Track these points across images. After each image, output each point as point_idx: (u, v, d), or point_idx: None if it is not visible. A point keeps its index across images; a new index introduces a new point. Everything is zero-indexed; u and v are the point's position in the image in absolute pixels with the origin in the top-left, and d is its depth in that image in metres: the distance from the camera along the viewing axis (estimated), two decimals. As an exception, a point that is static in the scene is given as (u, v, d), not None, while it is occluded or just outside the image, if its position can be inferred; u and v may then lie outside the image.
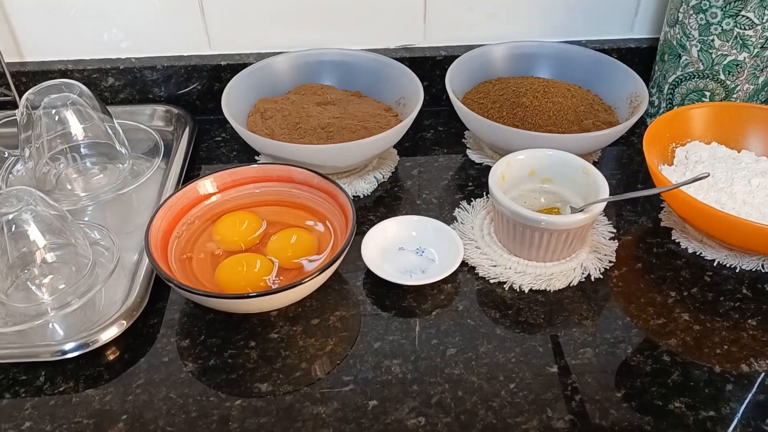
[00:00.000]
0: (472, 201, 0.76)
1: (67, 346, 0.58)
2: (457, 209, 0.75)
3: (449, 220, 0.74)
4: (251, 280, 0.62)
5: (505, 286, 0.66)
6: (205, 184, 0.69)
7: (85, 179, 0.80)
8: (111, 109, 0.84)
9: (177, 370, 0.59)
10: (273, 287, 0.62)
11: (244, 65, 0.87)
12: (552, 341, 0.61)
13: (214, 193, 0.70)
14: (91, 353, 0.59)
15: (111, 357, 0.60)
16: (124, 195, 0.77)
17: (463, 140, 0.87)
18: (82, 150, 0.80)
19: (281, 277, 0.63)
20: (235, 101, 0.80)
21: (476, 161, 0.83)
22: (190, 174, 0.82)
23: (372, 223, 0.73)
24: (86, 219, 0.75)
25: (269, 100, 0.84)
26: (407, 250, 0.69)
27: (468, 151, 0.84)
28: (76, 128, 0.79)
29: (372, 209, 0.76)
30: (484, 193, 0.77)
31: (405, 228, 0.70)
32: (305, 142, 0.76)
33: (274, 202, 0.71)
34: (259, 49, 0.90)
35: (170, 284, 0.58)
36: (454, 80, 0.82)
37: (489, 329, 0.62)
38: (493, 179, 0.67)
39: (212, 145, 0.87)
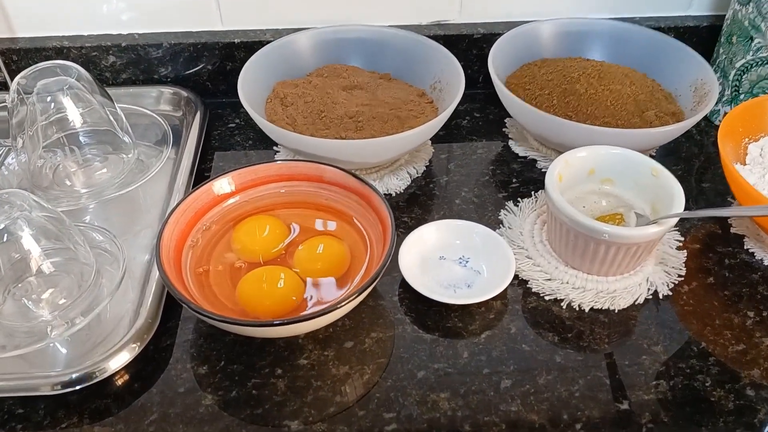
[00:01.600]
0: (519, 202, 0.68)
1: (71, 378, 0.51)
2: (502, 211, 0.67)
3: (493, 223, 0.66)
4: (277, 298, 0.54)
5: (562, 303, 0.59)
6: (222, 184, 0.61)
7: (86, 173, 0.72)
8: (112, 91, 0.75)
9: (195, 403, 0.51)
10: (303, 312, 0.54)
11: (260, 43, 0.78)
12: (620, 371, 0.54)
13: (232, 194, 0.62)
14: (97, 383, 0.52)
15: (120, 387, 0.53)
16: (129, 192, 0.69)
17: (504, 129, 0.78)
18: (81, 139, 0.72)
19: (310, 295, 0.56)
20: (251, 85, 0.71)
21: (520, 154, 0.74)
22: (202, 166, 0.74)
23: (407, 227, 0.65)
24: (87, 219, 0.67)
25: (289, 83, 0.75)
26: (449, 259, 0.61)
27: (510, 142, 0.76)
28: (74, 114, 0.70)
29: (406, 210, 0.68)
30: (532, 192, 0.69)
31: (446, 234, 0.62)
32: (332, 135, 0.68)
33: (299, 204, 0.63)
34: (276, 25, 0.81)
35: (187, 307, 0.50)
36: (497, 61, 0.73)
37: (547, 356, 0.55)
38: (551, 181, 0.59)
39: (225, 133, 0.79)
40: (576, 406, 0.51)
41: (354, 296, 0.50)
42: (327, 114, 0.70)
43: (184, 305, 0.50)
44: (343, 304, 0.49)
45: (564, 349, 0.55)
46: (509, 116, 0.79)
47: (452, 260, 0.61)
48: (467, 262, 0.61)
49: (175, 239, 0.56)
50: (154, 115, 0.77)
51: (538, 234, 0.64)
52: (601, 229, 0.55)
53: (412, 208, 0.68)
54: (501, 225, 0.66)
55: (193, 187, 0.64)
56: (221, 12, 0.79)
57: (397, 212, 0.68)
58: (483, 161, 0.74)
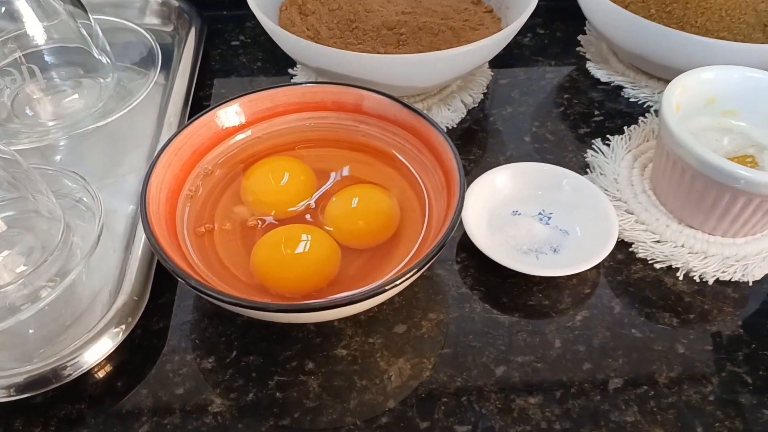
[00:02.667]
0: (608, 139, 0.53)
1: (29, 378, 0.37)
2: (589, 152, 0.52)
3: (576, 167, 0.52)
4: (306, 269, 0.40)
5: (677, 273, 0.45)
6: (229, 114, 0.46)
7: (53, 101, 0.56)
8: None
9: (199, 409, 0.38)
10: (340, 288, 0.40)
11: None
12: (764, 366, 0.40)
13: (241, 127, 0.47)
14: (67, 383, 0.38)
15: (97, 387, 0.39)
16: (108, 125, 0.54)
17: (578, 48, 0.63)
18: (46, 59, 0.56)
19: (348, 265, 0.41)
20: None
21: (601, 79, 0.59)
22: (199, 93, 0.58)
23: (466, 172, 0.50)
24: (56, 160, 0.53)
25: (308, -13, 0.59)
26: (526, 215, 0.47)
27: (588, 65, 0.60)
28: (35, 27, 0.55)
29: (462, 150, 0.53)
30: (624, 128, 0.54)
31: (522, 182, 0.48)
32: (367, 49, 0.53)
33: (329, 142, 0.48)
34: None
35: (186, 284, 0.36)
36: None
37: (666, 344, 0.41)
38: (669, 111, 0.44)
39: (227, 53, 0.63)
40: (712, 415, 0.38)
41: (412, 271, 0.36)
42: (359, 24, 0.54)
43: (180, 280, 0.36)
44: (396, 282, 0.35)
45: (686, 334, 0.42)
46: (582, 32, 0.64)
47: (530, 216, 0.47)
48: (549, 218, 0.47)
49: (167, 188, 0.42)
50: (140, 29, 0.61)
51: (638, 181, 0.49)
52: (738, 173, 0.41)
53: (470, 147, 0.54)
54: (589, 169, 0.51)
55: (189, 120, 0.49)
56: None
57: (451, 153, 0.53)
58: (554, 88, 0.59)
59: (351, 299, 0.35)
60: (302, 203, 0.44)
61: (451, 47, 0.53)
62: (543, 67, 0.61)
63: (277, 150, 0.47)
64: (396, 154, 0.46)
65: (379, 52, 0.52)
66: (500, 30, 0.56)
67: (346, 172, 0.47)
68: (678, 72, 0.53)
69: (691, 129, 0.48)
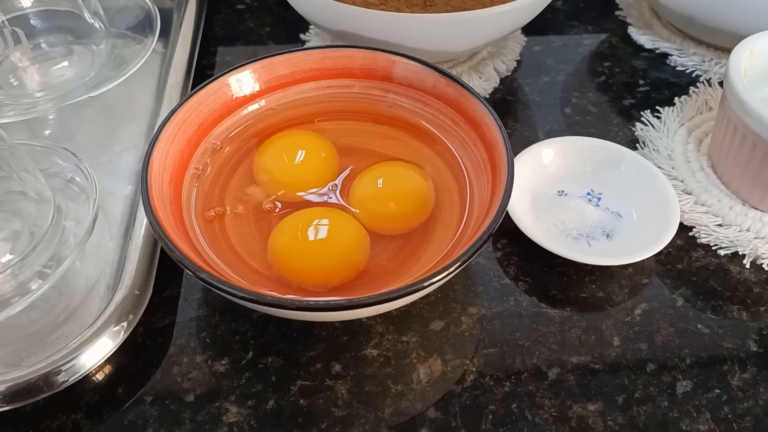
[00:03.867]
0: (657, 111, 0.48)
1: (17, 385, 0.33)
2: (638, 125, 0.47)
3: (623, 142, 0.47)
4: (330, 259, 0.35)
5: (744, 261, 0.40)
6: (240, 82, 0.40)
7: (41, 69, 0.51)
8: (74, -43, 0.53)
9: (212, 421, 0.33)
10: (370, 282, 0.35)
11: None
12: None
13: (253, 97, 0.41)
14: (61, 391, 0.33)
15: (96, 394, 0.35)
16: (103, 97, 0.48)
17: (618, 12, 0.57)
18: (32, 22, 0.51)
19: (378, 253, 0.36)
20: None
21: (645, 45, 0.54)
22: (203, 61, 0.53)
23: (503, 148, 0.45)
24: (46, 134, 0.48)
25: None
26: (573, 195, 0.42)
27: (630, 30, 0.55)
28: (20, -13, 0.49)
29: (496, 123, 0.48)
30: (675, 99, 0.49)
31: (569, 158, 0.43)
32: (392, 11, 0.47)
33: (353, 114, 0.43)
34: None
35: (195, 276, 0.31)
36: None
37: (737, 342, 0.36)
38: (736, 78, 0.39)
39: (232, 17, 0.57)
40: (797, 424, 0.33)
41: (454, 266, 0.31)
42: (381, -15, 0.49)
43: (188, 272, 0.31)
44: (435, 279, 0.30)
45: (758, 329, 0.37)
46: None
47: (578, 197, 0.42)
48: (599, 199, 0.42)
49: (172, 166, 0.37)
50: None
51: (695, 158, 0.44)
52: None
53: (505, 120, 0.48)
54: (639, 145, 0.46)
55: (194, 88, 0.44)
56: None
57: (483, 126, 0.48)
58: (594, 56, 0.54)
59: (384, 297, 0.30)
60: (324, 184, 0.39)
61: (484, 7, 0.47)
62: (579, 33, 0.56)
63: (294, 123, 0.42)
64: (429, 127, 0.41)
65: (406, 12, 0.47)
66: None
67: (373, 148, 0.41)
68: (733, 37, 0.48)
69: (759, 99, 0.43)
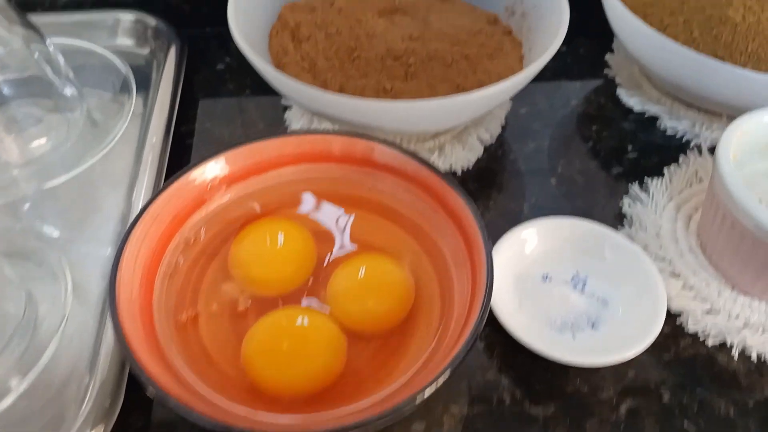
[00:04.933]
0: (646, 182, 0.47)
1: None
2: (626, 199, 0.46)
3: (611, 216, 0.46)
4: (304, 369, 0.34)
5: (732, 351, 0.39)
6: (216, 170, 0.39)
7: (16, 143, 0.49)
8: (49, 19, 0.53)
9: None
10: (348, 394, 0.34)
11: (258, -55, 0.54)
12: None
13: (231, 184, 0.40)
14: None
15: None
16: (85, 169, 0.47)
17: (607, 70, 0.56)
18: (2, 92, 0.49)
19: (356, 355, 0.35)
20: (248, 9, 0.48)
21: (634, 108, 0.53)
22: (181, 128, 0.52)
23: (487, 223, 0.44)
24: (17, 211, 0.46)
25: (302, 5, 0.52)
26: (558, 280, 0.41)
27: (619, 91, 0.54)
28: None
29: (481, 195, 0.47)
30: (663, 168, 0.48)
31: (553, 240, 0.42)
32: (372, 86, 0.46)
33: (331, 197, 0.41)
34: None
35: (164, 405, 0.30)
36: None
37: (727, 445, 0.36)
38: (725, 162, 0.38)
39: (212, 78, 0.56)
40: None
41: (433, 383, 0.30)
42: (361, 53, 0.47)
43: (161, 402, 0.30)
44: (414, 398, 0.29)
45: (746, 427, 0.36)
46: (609, 50, 0.57)
47: (562, 281, 0.41)
48: (584, 284, 0.41)
49: (143, 266, 0.35)
50: (110, 54, 0.53)
51: (684, 236, 0.43)
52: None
53: (489, 191, 0.47)
54: (627, 221, 0.45)
55: (166, 177, 0.43)
56: None
57: (467, 200, 0.47)
58: (581, 118, 0.53)
59: (360, 425, 0.29)
60: (301, 279, 0.38)
61: (467, 80, 0.46)
62: (566, 92, 0.55)
63: (271, 209, 0.41)
64: (409, 214, 0.40)
65: (384, 87, 0.46)
66: (521, 56, 0.49)
67: (352, 233, 0.40)
68: (724, 105, 0.47)
69: (746, 175, 0.42)
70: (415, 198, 0.40)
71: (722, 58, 0.46)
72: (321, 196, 0.42)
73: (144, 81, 0.54)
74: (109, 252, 0.43)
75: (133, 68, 0.54)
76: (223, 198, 0.40)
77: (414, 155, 0.39)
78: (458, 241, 0.37)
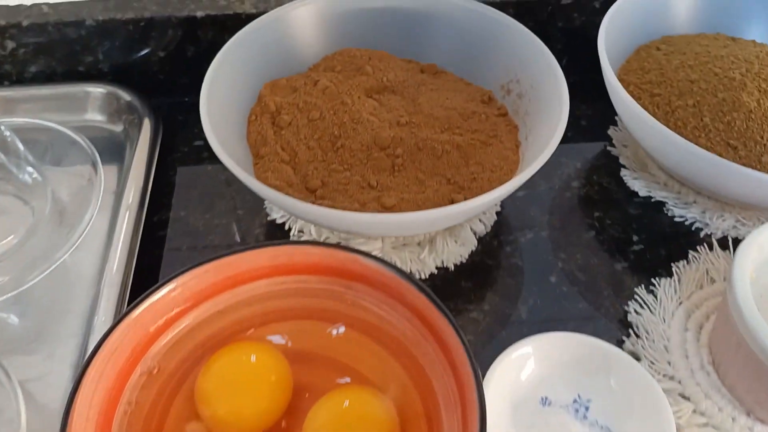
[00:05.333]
0: (653, 283, 0.43)
1: None
2: (633, 305, 0.43)
3: (613, 321, 0.42)
4: None
5: (751, 490, 0.35)
6: (184, 288, 0.35)
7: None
8: (15, 93, 0.50)
9: None
10: None
11: (236, 17, 0.51)
12: None
13: (199, 302, 0.36)
14: None
15: None
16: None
17: (610, 148, 0.52)
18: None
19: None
20: (224, 90, 0.45)
21: (639, 192, 0.49)
22: (153, 219, 0.48)
23: (477, 328, 0.41)
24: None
25: (283, 84, 0.49)
26: (557, 404, 0.38)
27: (623, 173, 0.50)
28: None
29: (474, 296, 0.44)
30: (671, 264, 0.44)
31: (552, 358, 0.38)
32: (357, 178, 0.43)
33: (308, 313, 0.38)
34: (261, -15, 0.53)
35: None
36: (609, 43, 0.47)
37: None
38: (741, 286, 0.34)
39: (189, 156, 0.53)
40: None
41: None
42: (345, 142, 0.44)
43: None
44: None
45: None
46: (613, 123, 0.54)
47: (563, 406, 0.37)
48: (587, 409, 0.37)
49: (98, 411, 0.32)
50: (72, 135, 0.49)
51: (694, 350, 0.39)
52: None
53: (483, 292, 0.44)
54: (633, 330, 0.42)
55: (133, 283, 0.40)
56: (174, -32, 0.51)
57: (460, 302, 0.43)
58: (583, 202, 0.49)
59: None
60: (274, 416, 0.34)
61: (458, 172, 0.43)
62: (567, 170, 0.51)
63: (244, 326, 0.38)
64: (396, 334, 0.37)
65: (369, 182, 0.42)
66: (517, 143, 0.46)
67: (332, 355, 0.37)
68: (736, 201, 0.44)
69: (761, 289, 0.38)
70: (401, 318, 0.36)
71: (735, 148, 0.43)
72: (299, 309, 0.38)
73: (115, 161, 0.51)
74: (69, 375, 0.39)
75: (103, 147, 0.50)
76: (189, 319, 0.36)
77: (400, 272, 0.35)
78: (448, 375, 0.33)
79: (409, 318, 0.36)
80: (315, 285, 0.38)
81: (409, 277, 0.35)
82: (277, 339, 0.38)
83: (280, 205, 0.39)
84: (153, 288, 0.35)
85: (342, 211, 0.37)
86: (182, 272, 0.36)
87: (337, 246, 0.37)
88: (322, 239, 0.45)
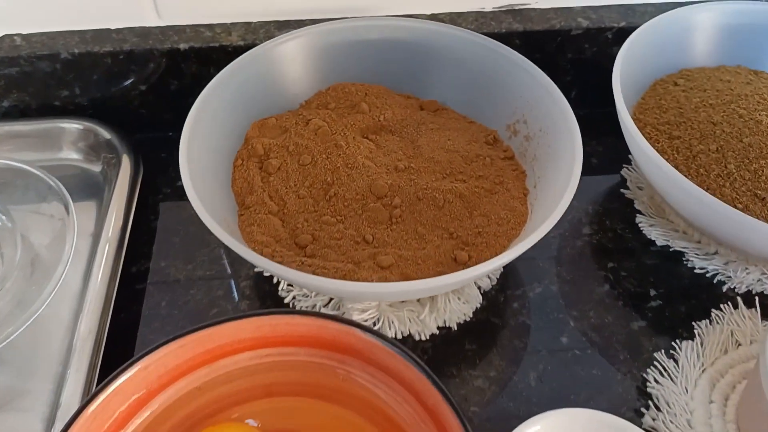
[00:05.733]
0: (673, 347, 0.40)
1: None
2: (651, 373, 0.39)
3: (632, 389, 0.38)
4: None
5: None
6: (162, 362, 0.32)
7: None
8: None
9: None
10: None
11: (222, 50, 0.48)
12: None
13: (176, 378, 0.33)
14: None
15: None
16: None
17: (624, 191, 0.49)
18: None
19: None
20: (207, 132, 0.41)
21: (657, 241, 0.45)
22: (131, 269, 0.44)
23: (482, 397, 0.37)
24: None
25: (272, 124, 0.45)
26: (573, 490, 0.34)
27: (639, 219, 0.47)
28: None
29: (479, 360, 0.40)
30: (694, 327, 0.41)
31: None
32: (350, 232, 0.39)
33: (298, 389, 0.34)
34: (249, 17, 0.50)
35: None
36: (624, 76, 0.44)
37: None
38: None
39: (172, 196, 0.49)
40: None
41: None
42: (338, 189, 0.40)
43: None
44: None
45: None
46: (626, 161, 0.50)
47: (578, 493, 0.34)
48: (605, 496, 0.34)
49: None
50: (49, 179, 0.46)
51: (721, 427, 0.36)
52: None
53: (489, 355, 0.40)
54: (653, 402, 0.38)
55: (99, 385, 0.37)
56: (156, -2, 0.47)
57: (463, 367, 0.40)
58: (595, 251, 0.46)
59: None
60: None
61: (461, 225, 0.40)
62: (577, 214, 0.47)
63: (225, 404, 0.34)
64: (393, 415, 0.33)
65: (365, 237, 0.39)
66: (525, 191, 0.42)
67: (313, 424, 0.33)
68: (761, 259, 0.40)
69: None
70: (398, 398, 0.33)
71: (763, 199, 0.40)
72: (286, 385, 0.35)
73: (93, 203, 0.47)
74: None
75: (80, 188, 0.48)
76: (163, 398, 0.33)
77: (400, 349, 0.32)
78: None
79: (407, 398, 0.32)
80: (304, 358, 0.34)
81: (409, 355, 0.32)
82: (260, 418, 0.34)
83: (266, 270, 0.35)
84: (121, 368, 0.31)
85: (332, 280, 0.34)
86: (155, 348, 0.32)
87: (329, 316, 0.33)
88: (313, 295, 0.42)
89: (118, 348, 0.40)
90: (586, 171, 0.48)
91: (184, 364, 0.33)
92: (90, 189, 0.48)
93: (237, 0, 0.48)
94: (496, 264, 0.34)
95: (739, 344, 0.39)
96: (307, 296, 0.42)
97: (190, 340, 0.33)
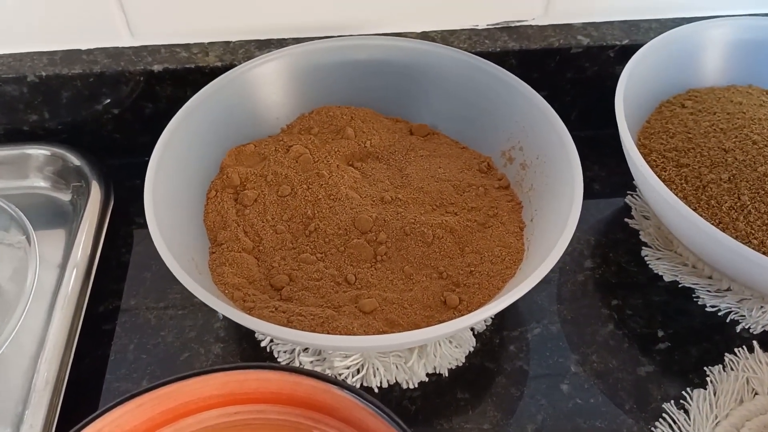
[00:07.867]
0: (684, 397, 0.36)
1: None
2: (659, 426, 0.36)
3: (640, 445, 0.35)
4: None
5: None
6: (122, 421, 0.29)
7: None
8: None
9: None
10: None
11: (198, 71, 0.45)
12: None
13: (131, 439, 0.30)
14: None
15: None
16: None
17: (629, 221, 0.45)
18: None
19: None
20: (180, 161, 0.38)
21: (664, 277, 0.42)
22: (99, 309, 0.41)
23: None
24: None
25: (250, 150, 0.42)
26: None
27: (645, 252, 0.43)
28: None
29: (470, 411, 0.37)
30: (707, 373, 0.37)
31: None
32: (330, 272, 0.36)
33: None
34: (228, 35, 0.47)
35: None
36: (628, 98, 0.40)
37: None
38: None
39: (143, 232, 0.45)
40: None
41: None
42: (319, 224, 0.37)
43: None
44: None
45: None
46: (630, 187, 0.47)
47: None
48: None
49: None
50: (2, 204, 0.42)
51: (739, 490, 0.33)
52: None
53: (483, 405, 0.37)
54: (662, 461, 0.35)
55: (65, 398, 0.33)
56: (127, 16, 0.44)
57: (455, 419, 0.36)
58: (598, 287, 0.42)
59: None
60: None
61: (452, 263, 0.36)
62: (579, 246, 0.44)
63: (187, 470, 0.31)
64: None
65: (347, 278, 0.36)
66: (521, 225, 0.39)
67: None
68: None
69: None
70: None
71: (781, 235, 0.36)
72: (256, 445, 0.31)
73: (60, 234, 0.44)
74: None
75: (47, 219, 0.45)
76: (122, 463, 0.30)
77: (380, 409, 0.29)
78: None
79: (390, 464, 0.29)
80: (275, 416, 0.31)
81: (390, 416, 0.28)
82: (229, 483, 0.31)
83: (236, 320, 0.32)
84: (98, 413, 0.28)
85: (307, 333, 0.30)
86: (111, 408, 0.29)
87: (303, 372, 0.30)
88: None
89: (80, 397, 0.37)
90: (588, 196, 0.45)
91: (143, 425, 0.30)
92: (58, 218, 0.45)
93: (215, 17, 0.45)
94: (488, 312, 0.31)
95: (756, 393, 0.36)
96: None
97: (150, 398, 0.30)
